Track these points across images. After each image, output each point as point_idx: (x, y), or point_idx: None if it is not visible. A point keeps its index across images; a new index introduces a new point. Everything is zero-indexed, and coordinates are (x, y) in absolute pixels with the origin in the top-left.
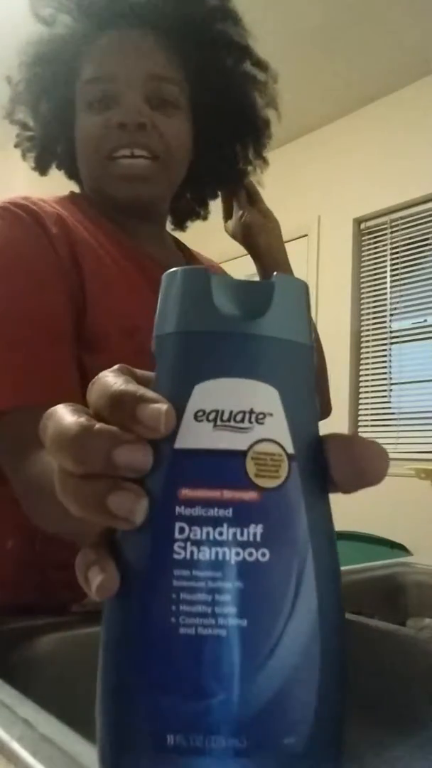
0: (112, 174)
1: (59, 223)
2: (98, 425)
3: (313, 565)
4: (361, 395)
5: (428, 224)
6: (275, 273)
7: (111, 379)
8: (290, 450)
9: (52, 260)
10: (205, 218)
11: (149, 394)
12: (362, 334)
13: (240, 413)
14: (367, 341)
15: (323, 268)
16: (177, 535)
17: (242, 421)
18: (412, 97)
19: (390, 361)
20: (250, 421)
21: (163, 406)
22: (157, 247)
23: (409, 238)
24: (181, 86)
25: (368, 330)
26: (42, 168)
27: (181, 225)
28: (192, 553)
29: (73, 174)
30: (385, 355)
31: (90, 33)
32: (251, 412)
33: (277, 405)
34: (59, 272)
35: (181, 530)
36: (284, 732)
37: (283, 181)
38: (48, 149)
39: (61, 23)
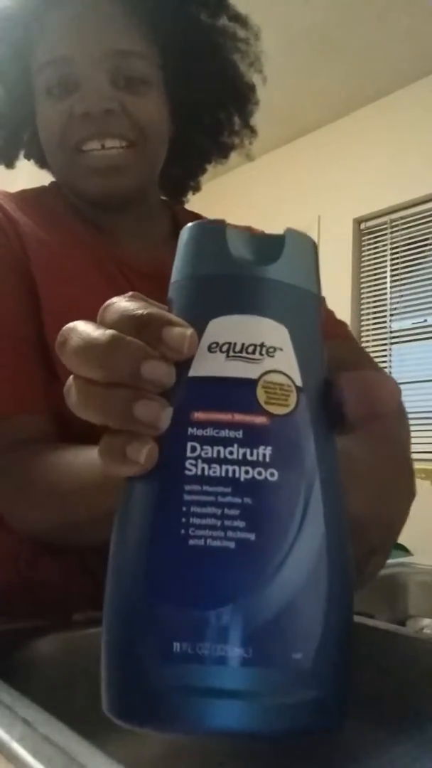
0: (82, 167)
1: (7, 226)
2: (130, 337)
3: (320, 489)
4: None
5: (428, 224)
6: (287, 227)
7: (131, 303)
8: (299, 383)
9: (5, 260)
10: (198, 190)
11: (174, 318)
12: (362, 334)
13: (251, 346)
14: (367, 341)
15: (323, 268)
16: (189, 453)
17: (253, 353)
18: (412, 97)
19: (390, 361)
20: (261, 354)
21: (188, 330)
22: (138, 240)
23: (409, 238)
24: (149, 58)
25: (368, 330)
26: (7, 159)
27: (176, 199)
28: (203, 469)
29: (44, 163)
30: (385, 355)
31: (39, 8)
32: (262, 345)
33: (287, 341)
34: (12, 270)
35: (193, 449)
36: (291, 646)
37: (283, 181)
38: (11, 139)
39: None
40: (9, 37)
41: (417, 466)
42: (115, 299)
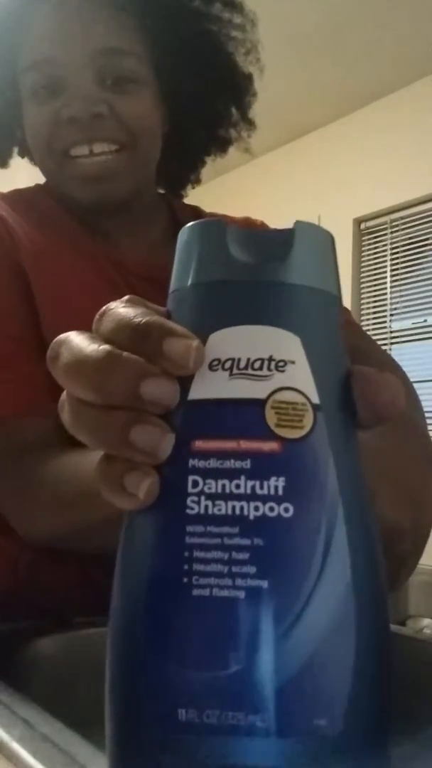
0: (70, 174)
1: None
2: (126, 353)
3: (344, 522)
4: None
5: (428, 224)
6: (296, 220)
7: (129, 310)
8: (315, 399)
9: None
10: (198, 183)
11: (177, 328)
12: None
13: (258, 361)
14: None
15: None
16: (190, 489)
17: (260, 368)
18: (412, 97)
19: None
20: (269, 369)
21: (193, 342)
22: (135, 241)
23: (409, 238)
24: (138, 54)
25: (368, 330)
26: (0, 159)
27: (175, 193)
28: (206, 507)
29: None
30: None
31: (22, 7)
32: (270, 359)
33: (300, 352)
34: (7, 271)
35: (195, 483)
36: (314, 711)
37: (283, 181)
38: (3, 138)
39: None
40: None
41: None
42: (112, 305)
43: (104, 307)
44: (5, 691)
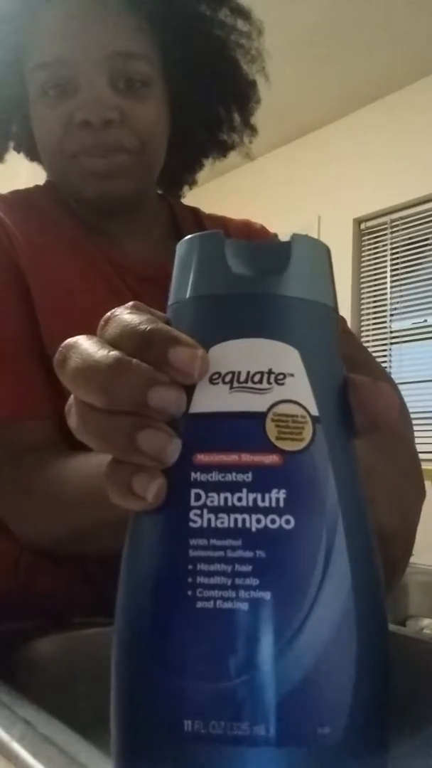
0: (79, 173)
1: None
2: (135, 360)
3: (344, 532)
4: None
5: (428, 224)
6: (293, 233)
7: (135, 317)
8: (314, 412)
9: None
10: (194, 184)
11: (183, 336)
12: (362, 334)
13: (257, 374)
14: (367, 341)
15: None
16: (193, 502)
17: (260, 382)
18: (412, 97)
19: (390, 361)
20: (269, 382)
21: (198, 351)
22: (136, 242)
23: (409, 238)
24: (150, 58)
25: (368, 330)
26: None
27: (172, 193)
28: (209, 520)
29: (34, 156)
30: (385, 356)
31: (31, 4)
32: (270, 372)
33: (298, 365)
34: (5, 273)
35: (197, 497)
36: (316, 720)
37: (283, 181)
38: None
39: None
40: (1, 31)
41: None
42: (117, 311)
43: (109, 313)
44: (5, 691)
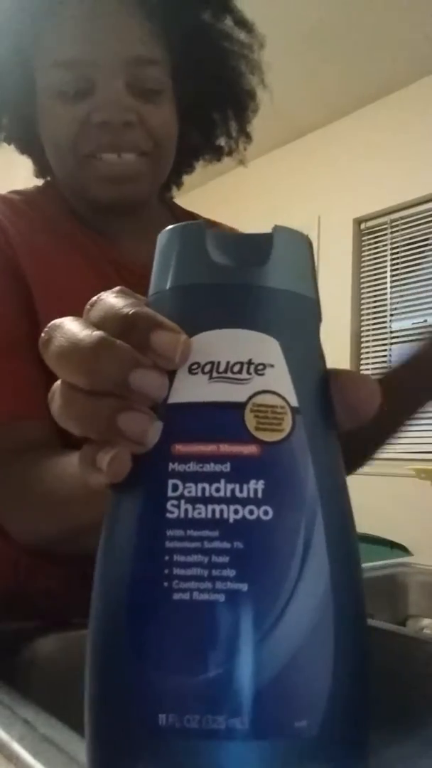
0: (93, 175)
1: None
2: (119, 341)
3: (323, 524)
4: None
5: (428, 224)
6: (274, 225)
7: (118, 300)
8: (294, 402)
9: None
10: (180, 185)
11: (166, 321)
12: (362, 334)
13: (237, 364)
14: (367, 341)
15: (323, 268)
16: (170, 492)
17: (240, 372)
18: (412, 97)
19: (390, 361)
20: (248, 372)
21: (181, 336)
22: (138, 242)
23: (409, 238)
24: (163, 65)
25: (368, 330)
26: None
27: (161, 194)
28: (186, 511)
29: (25, 149)
30: (385, 356)
31: (48, 4)
32: (249, 363)
33: (278, 356)
34: (4, 273)
35: (175, 487)
36: (294, 713)
37: (283, 181)
38: None
39: None
40: (13, 25)
41: (417, 466)
42: (102, 295)
43: (95, 297)
44: (5, 691)
